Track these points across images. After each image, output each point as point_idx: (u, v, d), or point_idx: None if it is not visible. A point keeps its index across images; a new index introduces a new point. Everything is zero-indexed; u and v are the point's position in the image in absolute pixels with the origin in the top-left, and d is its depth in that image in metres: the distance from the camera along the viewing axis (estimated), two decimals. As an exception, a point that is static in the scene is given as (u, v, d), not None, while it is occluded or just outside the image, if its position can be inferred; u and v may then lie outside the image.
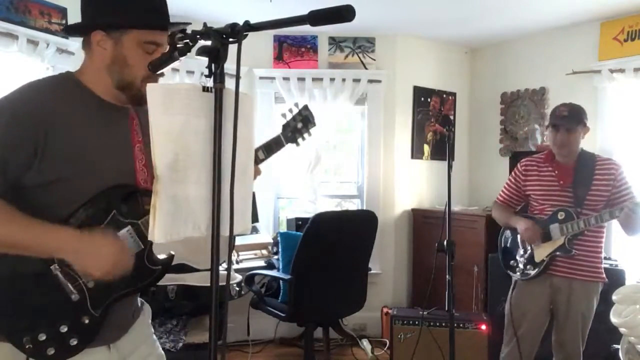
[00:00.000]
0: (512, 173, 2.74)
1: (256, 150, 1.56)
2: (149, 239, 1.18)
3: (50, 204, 1.24)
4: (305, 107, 1.64)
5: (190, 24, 1.36)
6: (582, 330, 2.46)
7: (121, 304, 1.34)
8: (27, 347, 1.19)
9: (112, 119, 1.34)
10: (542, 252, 2.49)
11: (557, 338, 2.55)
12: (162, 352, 1.52)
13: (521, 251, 2.59)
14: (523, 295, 2.60)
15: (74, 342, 1.23)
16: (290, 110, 1.65)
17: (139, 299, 1.52)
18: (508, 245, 2.68)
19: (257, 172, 1.48)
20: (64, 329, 1.22)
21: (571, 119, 2.43)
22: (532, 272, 2.52)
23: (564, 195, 2.48)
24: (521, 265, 2.57)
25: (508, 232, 2.72)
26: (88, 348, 1.27)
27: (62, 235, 1.19)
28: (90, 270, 1.20)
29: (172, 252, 1.39)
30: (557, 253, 2.45)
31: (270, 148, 1.61)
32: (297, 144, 1.66)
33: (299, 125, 1.62)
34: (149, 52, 1.29)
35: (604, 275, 2.49)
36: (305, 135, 1.66)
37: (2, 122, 1.19)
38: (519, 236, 2.62)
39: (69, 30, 1.40)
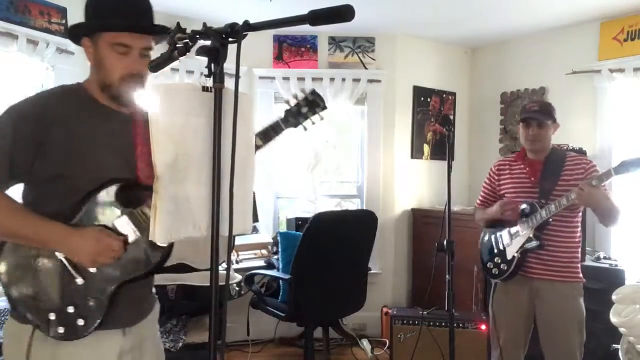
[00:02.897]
0: (487, 175, 2.75)
1: None
2: (149, 239, 1.19)
3: (54, 197, 1.34)
4: (313, 92, 1.58)
5: (169, 32, 1.39)
6: (579, 335, 2.38)
7: (132, 290, 1.41)
8: (40, 326, 1.32)
9: (114, 123, 1.42)
10: (512, 249, 2.48)
11: (544, 346, 2.46)
12: (163, 350, 1.60)
13: (495, 251, 2.58)
14: (502, 298, 2.58)
15: (81, 322, 1.33)
16: (296, 96, 1.58)
17: (154, 293, 1.60)
18: (485, 249, 2.67)
19: None
20: (70, 310, 1.33)
21: (542, 113, 2.45)
22: (506, 271, 2.50)
23: (534, 191, 2.47)
24: (496, 266, 2.56)
25: (484, 237, 2.71)
26: (104, 330, 1.37)
27: (53, 230, 1.31)
28: (79, 261, 1.31)
29: (174, 240, 1.41)
30: (526, 247, 2.42)
31: (268, 134, 1.54)
32: (305, 129, 1.60)
33: (304, 109, 1.56)
34: (121, 53, 1.36)
35: (582, 276, 2.44)
36: (314, 118, 1.59)
37: (10, 121, 1.32)
38: (492, 237, 2.61)
39: (70, 38, 1.47)
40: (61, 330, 1.32)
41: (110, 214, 1.34)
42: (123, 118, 1.44)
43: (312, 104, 1.57)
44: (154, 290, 1.60)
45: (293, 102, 1.57)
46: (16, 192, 1.38)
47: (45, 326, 1.31)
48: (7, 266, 1.34)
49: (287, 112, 1.57)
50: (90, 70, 1.43)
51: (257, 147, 1.53)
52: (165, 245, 1.41)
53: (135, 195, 1.37)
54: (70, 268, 1.32)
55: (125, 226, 1.34)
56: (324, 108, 1.59)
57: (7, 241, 1.34)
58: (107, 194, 1.34)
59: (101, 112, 1.41)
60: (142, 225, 1.35)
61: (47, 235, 1.30)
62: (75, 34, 1.42)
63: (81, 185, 1.33)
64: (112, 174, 1.36)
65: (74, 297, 1.33)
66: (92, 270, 1.34)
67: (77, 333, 1.33)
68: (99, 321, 1.35)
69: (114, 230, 1.34)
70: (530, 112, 2.48)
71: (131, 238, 1.35)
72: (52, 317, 1.31)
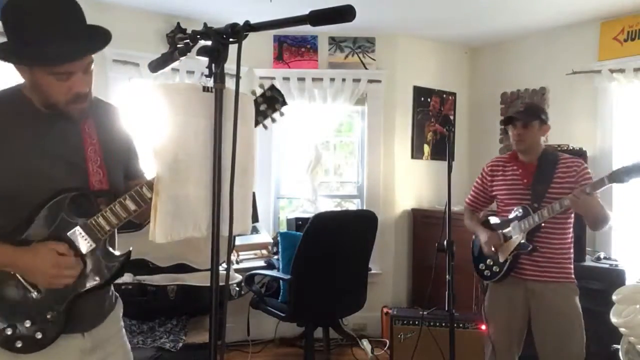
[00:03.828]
0: (479, 174, 2.74)
1: None
2: (149, 239, 1.19)
3: (2, 216, 1.28)
4: (271, 87, 1.48)
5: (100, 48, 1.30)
6: (580, 336, 2.38)
7: (89, 298, 1.37)
8: None
9: (58, 127, 1.35)
10: (504, 252, 2.48)
11: (540, 348, 2.45)
12: (129, 347, 1.56)
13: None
14: (495, 298, 2.59)
15: (39, 336, 1.29)
16: (253, 92, 1.47)
17: (113, 293, 1.55)
18: (477, 250, 2.66)
19: None
20: (27, 324, 1.28)
21: (526, 113, 2.46)
22: (498, 272, 2.50)
23: (527, 193, 2.46)
24: (488, 267, 2.56)
25: (476, 238, 2.71)
26: (63, 334, 1.32)
27: (5, 254, 1.25)
28: (35, 281, 1.27)
29: (130, 249, 1.40)
30: (518, 250, 2.43)
31: None
32: (265, 127, 1.50)
33: (262, 107, 1.46)
34: (62, 80, 1.25)
35: (573, 277, 2.45)
36: (273, 115, 1.49)
37: None
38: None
39: None
40: (19, 344, 1.27)
41: (63, 226, 1.30)
42: (67, 121, 1.35)
43: (271, 100, 1.47)
44: (113, 294, 1.55)
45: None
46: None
47: (1, 341, 1.27)
48: None
49: None
50: (26, 84, 1.32)
51: None
52: (122, 252, 1.39)
53: (88, 204, 1.33)
54: (24, 282, 1.28)
55: (79, 238, 1.31)
56: (284, 103, 1.49)
57: None
58: (58, 206, 1.29)
59: (43, 118, 1.33)
60: (97, 234, 1.31)
61: (1, 259, 1.25)
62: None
63: (30, 200, 1.28)
64: (62, 184, 1.31)
65: (30, 311, 1.28)
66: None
67: (36, 346, 1.29)
68: (57, 332, 1.30)
69: (67, 242, 1.29)
70: (515, 112, 2.50)
71: (85, 249, 1.31)
72: (9, 332, 1.27)
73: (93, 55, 1.31)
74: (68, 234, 1.30)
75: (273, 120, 1.49)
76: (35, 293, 1.28)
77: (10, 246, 1.26)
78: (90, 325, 1.41)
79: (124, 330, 1.56)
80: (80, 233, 1.31)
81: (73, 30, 1.25)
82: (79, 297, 1.33)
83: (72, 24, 1.26)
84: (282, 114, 1.51)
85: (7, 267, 1.27)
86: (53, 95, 1.28)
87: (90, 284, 1.34)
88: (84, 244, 1.31)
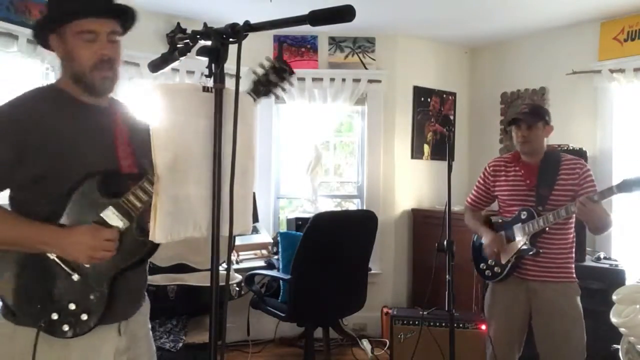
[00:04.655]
0: (481, 174, 2.73)
1: None
2: (149, 239, 1.19)
3: (40, 199, 1.33)
4: (278, 58, 1.52)
5: (132, 13, 1.45)
6: (580, 334, 2.39)
7: (127, 279, 1.42)
8: (44, 327, 1.31)
9: (91, 117, 1.42)
10: (507, 254, 2.48)
11: (541, 347, 2.46)
12: (155, 350, 1.62)
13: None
14: (496, 298, 2.59)
15: (84, 317, 1.34)
16: (262, 65, 1.51)
17: (145, 288, 1.60)
18: (478, 251, 2.66)
19: None
20: (72, 306, 1.33)
21: (531, 114, 2.45)
22: (500, 273, 2.51)
23: (530, 195, 2.46)
24: (489, 268, 2.56)
25: (477, 239, 2.71)
26: (102, 325, 1.38)
27: (45, 232, 1.31)
28: (76, 259, 1.32)
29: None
30: (522, 253, 2.43)
31: None
32: (277, 97, 1.56)
33: (273, 77, 1.50)
34: (88, 40, 1.36)
35: (575, 276, 2.45)
36: (284, 85, 1.52)
37: None
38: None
39: (38, 40, 1.45)
40: (66, 327, 1.32)
41: (95, 207, 1.34)
42: (99, 111, 1.44)
43: (279, 71, 1.50)
44: (145, 285, 1.60)
45: (260, 72, 1.50)
46: (1, 195, 1.39)
47: (49, 327, 1.31)
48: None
49: (256, 82, 1.47)
50: (61, 67, 1.43)
51: None
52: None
53: (118, 185, 1.37)
54: (64, 266, 1.32)
55: (113, 216, 1.35)
56: (291, 73, 1.52)
57: None
58: (89, 188, 1.34)
59: (77, 107, 1.41)
60: (129, 212, 1.35)
61: (40, 237, 1.30)
62: (41, 34, 1.41)
63: (65, 184, 1.33)
64: (94, 166, 1.36)
65: (74, 293, 1.33)
66: (87, 265, 1.34)
67: (82, 328, 1.34)
68: (101, 312, 1.35)
69: (102, 223, 1.34)
70: (519, 113, 2.50)
71: (120, 227, 1.35)
72: (55, 316, 1.31)
73: None
74: (101, 214, 1.34)
75: (284, 90, 1.53)
76: (77, 276, 1.33)
77: (54, 225, 1.31)
78: (127, 312, 1.47)
79: (150, 332, 1.62)
80: (114, 212, 1.35)
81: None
82: (119, 276, 1.38)
83: None
84: (290, 85, 1.54)
85: (47, 245, 1.30)
86: (81, 60, 1.36)
87: (128, 261, 1.39)
88: (119, 223, 1.35)
